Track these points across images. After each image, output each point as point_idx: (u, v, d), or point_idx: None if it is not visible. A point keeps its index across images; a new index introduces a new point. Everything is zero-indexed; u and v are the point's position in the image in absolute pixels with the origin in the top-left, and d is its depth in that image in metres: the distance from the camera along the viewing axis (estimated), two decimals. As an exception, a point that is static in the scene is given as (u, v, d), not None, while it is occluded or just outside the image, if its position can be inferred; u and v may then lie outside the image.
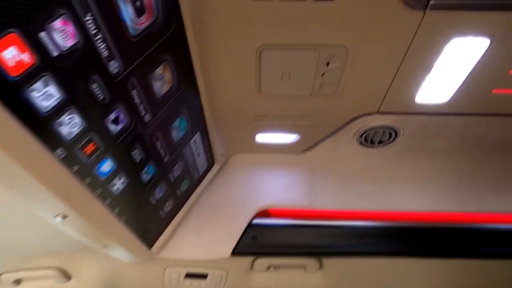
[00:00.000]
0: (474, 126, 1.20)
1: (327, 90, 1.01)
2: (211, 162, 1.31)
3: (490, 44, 0.85)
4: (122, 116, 0.73)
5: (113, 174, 0.80)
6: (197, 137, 1.10)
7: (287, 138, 1.28)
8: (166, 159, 0.99)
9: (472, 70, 0.94)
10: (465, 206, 1.32)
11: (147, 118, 0.81)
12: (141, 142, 0.84)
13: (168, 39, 0.73)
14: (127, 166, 0.83)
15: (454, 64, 0.92)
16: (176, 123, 0.94)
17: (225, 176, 1.38)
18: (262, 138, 1.28)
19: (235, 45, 0.87)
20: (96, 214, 0.82)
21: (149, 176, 0.95)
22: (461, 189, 1.34)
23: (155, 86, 0.78)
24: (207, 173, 1.32)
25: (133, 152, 0.83)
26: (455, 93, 1.02)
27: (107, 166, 0.76)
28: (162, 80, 0.79)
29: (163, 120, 0.88)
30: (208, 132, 1.16)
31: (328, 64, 0.92)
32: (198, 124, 1.07)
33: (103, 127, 0.70)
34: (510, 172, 1.37)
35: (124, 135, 0.77)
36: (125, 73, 0.67)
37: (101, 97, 0.65)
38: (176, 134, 0.97)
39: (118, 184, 0.83)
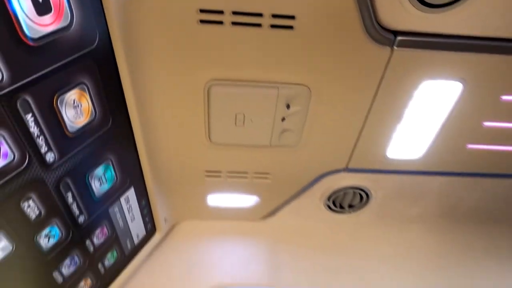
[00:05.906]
0: (451, 189, 1.09)
1: (288, 140, 0.87)
2: (151, 230, 1.07)
3: (462, 90, 0.78)
4: (4, 148, 0.53)
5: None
6: (130, 194, 0.89)
7: (245, 201, 1.10)
8: (81, 220, 0.75)
9: (446, 120, 0.85)
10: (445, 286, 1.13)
11: (49, 157, 0.61)
12: (39, 191, 0.62)
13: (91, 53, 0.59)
14: (12, 222, 0.60)
15: (426, 112, 0.83)
16: (99, 170, 0.74)
17: (169, 248, 1.16)
18: (215, 200, 1.10)
19: (179, 80, 0.74)
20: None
21: (51, 242, 0.70)
22: (441, 267, 1.17)
23: (67, 114, 0.60)
24: (145, 243, 1.08)
25: (24, 204, 0.60)
26: (429, 147, 0.92)
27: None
28: (77, 109, 0.62)
29: (78, 163, 0.67)
30: (146, 189, 0.95)
31: (288, 106, 0.80)
32: (132, 176, 0.86)
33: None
34: (492, 244, 1.23)
35: (9, 177, 0.55)
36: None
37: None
38: (99, 185, 0.76)
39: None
